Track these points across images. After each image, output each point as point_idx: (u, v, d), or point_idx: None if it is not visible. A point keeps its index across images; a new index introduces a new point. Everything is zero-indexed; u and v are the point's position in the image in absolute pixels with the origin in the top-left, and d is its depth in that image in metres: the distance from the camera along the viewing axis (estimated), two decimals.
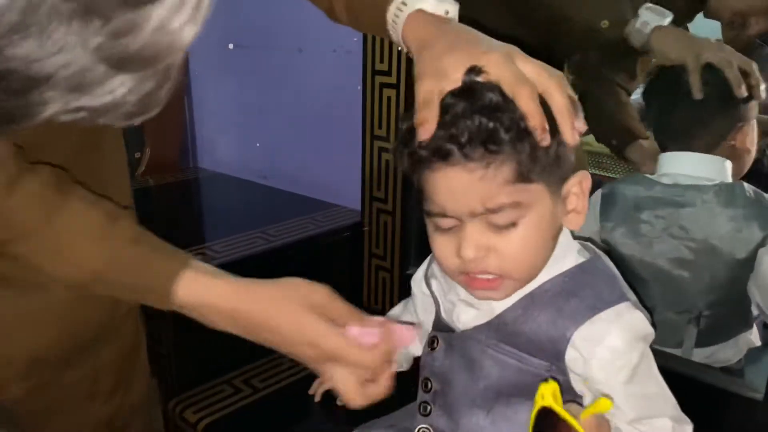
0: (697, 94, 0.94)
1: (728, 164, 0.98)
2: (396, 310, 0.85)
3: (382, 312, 1.26)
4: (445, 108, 0.56)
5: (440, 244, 0.61)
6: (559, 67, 0.60)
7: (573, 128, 0.56)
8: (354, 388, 0.59)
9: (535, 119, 0.54)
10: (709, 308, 0.99)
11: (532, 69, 0.57)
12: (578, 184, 0.61)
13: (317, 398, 0.91)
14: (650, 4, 1.02)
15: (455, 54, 0.57)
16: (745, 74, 0.94)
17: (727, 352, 1.02)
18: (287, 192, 1.53)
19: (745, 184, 0.97)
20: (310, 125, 1.52)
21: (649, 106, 1.08)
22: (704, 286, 0.98)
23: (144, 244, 0.59)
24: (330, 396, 0.89)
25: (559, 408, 0.52)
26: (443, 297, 0.69)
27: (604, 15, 1.04)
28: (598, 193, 1.05)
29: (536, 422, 0.54)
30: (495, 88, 0.55)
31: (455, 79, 0.56)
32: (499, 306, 0.63)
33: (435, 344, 0.69)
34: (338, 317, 0.59)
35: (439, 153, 0.55)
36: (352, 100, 1.25)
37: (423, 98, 0.57)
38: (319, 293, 0.60)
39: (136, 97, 0.36)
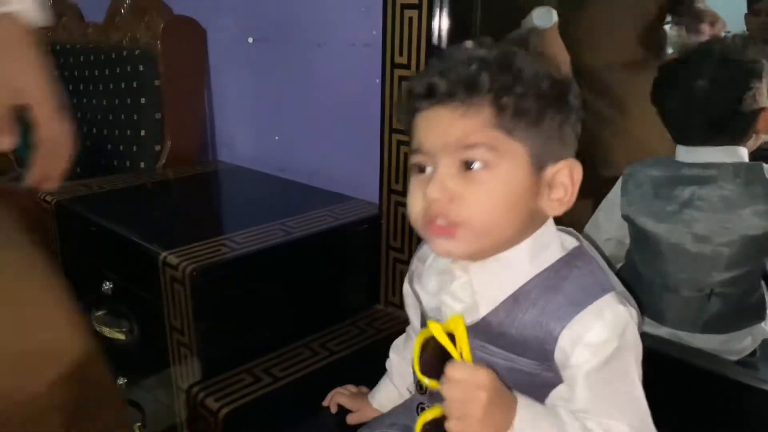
0: None
1: (744, 151, 0.99)
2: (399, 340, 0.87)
3: (399, 306, 1.28)
4: (442, 54, 0.63)
5: (413, 190, 0.62)
6: None
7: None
8: None
9: None
10: (722, 286, 1.00)
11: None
12: (568, 173, 0.61)
13: (333, 409, 0.93)
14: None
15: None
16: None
17: (741, 343, 1.03)
18: (305, 185, 1.54)
19: (764, 164, 0.98)
20: (328, 119, 1.52)
21: (661, 108, 1.05)
22: (720, 263, 0.99)
23: None
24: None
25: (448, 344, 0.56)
26: (426, 295, 0.69)
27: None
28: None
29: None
30: (495, 46, 0.61)
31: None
32: (484, 306, 0.62)
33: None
34: None
35: (429, 89, 0.59)
36: (371, 93, 1.26)
37: None
38: None
39: None
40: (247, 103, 1.75)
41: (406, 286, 0.76)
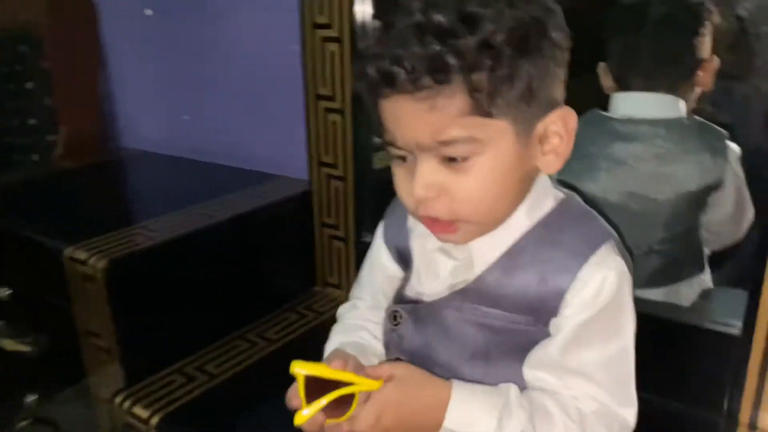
0: None
1: (682, 103, 0.98)
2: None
3: (338, 286, 1.22)
4: (388, 24, 0.51)
5: (399, 179, 0.57)
6: None
7: None
8: None
9: None
10: (660, 243, 0.99)
11: None
12: (561, 121, 0.55)
13: None
14: None
15: None
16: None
17: (681, 294, 1.04)
18: (225, 166, 1.43)
19: (696, 117, 0.97)
20: (243, 92, 1.42)
21: (609, 41, 1.02)
22: (657, 221, 0.98)
23: None
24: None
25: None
26: (422, 251, 0.64)
27: None
28: None
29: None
30: (450, 6, 0.49)
31: None
32: (480, 264, 0.59)
33: (398, 319, 0.63)
34: None
35: (386, 78, 0.50)
36: (290, 59, 1.17)
37: None
38: None
39: None
40: (150, 82, 1.61)
41: (380, 242, 0.70)
